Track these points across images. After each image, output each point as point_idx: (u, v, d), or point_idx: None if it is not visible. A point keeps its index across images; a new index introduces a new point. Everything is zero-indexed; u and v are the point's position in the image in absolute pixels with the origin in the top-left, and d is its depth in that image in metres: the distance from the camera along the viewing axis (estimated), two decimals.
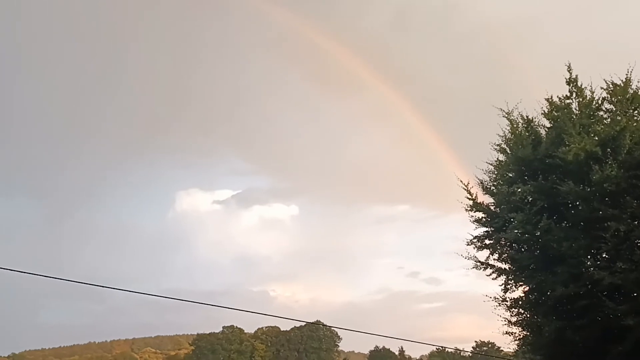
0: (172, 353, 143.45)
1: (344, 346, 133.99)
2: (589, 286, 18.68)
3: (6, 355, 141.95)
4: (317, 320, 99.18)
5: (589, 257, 19.41)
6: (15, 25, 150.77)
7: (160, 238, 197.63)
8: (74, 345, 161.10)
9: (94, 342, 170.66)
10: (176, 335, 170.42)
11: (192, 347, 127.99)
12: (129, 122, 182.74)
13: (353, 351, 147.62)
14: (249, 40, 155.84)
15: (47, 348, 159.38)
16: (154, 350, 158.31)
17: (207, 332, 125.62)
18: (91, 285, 9.15)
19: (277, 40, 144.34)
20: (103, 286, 9.41)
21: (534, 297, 21.14)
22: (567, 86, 19.94)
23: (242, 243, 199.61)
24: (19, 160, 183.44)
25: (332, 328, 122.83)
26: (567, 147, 18.44)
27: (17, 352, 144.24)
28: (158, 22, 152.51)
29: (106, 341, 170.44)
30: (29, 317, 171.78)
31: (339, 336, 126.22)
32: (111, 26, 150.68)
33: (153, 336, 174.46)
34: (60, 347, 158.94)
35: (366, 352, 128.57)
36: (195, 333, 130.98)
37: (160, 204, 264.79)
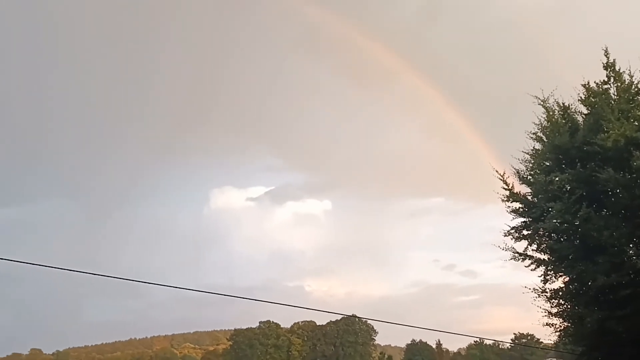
0: (211, 348, 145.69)
1: (380, 340, 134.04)
2: (632, 275, 18.31)
3: (51, 353, 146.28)
4: (352, 314, 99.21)
5: (630, 245, 19.01)
6: (52, 29, 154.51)
7: (197, 235, 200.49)
8: (115, 341, 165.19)
9: (135, 338, 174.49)
10: (214, 330, 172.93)
11: (230, 342, 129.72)
12: (164, 123, 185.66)
13: (390, 345, 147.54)
14: (280, 37, 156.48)
15: (90, 345, 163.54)
16: (192, 345, 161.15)
17: (244, 328, 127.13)
18: (133, 281, 9.37)
19: (308, 36, 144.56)
20: (144, 282, 9.63)
21: (574, 287, 20.78)
22: (605, 71, 19.46)
23: (277, 239, 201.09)
24: (60, 163, 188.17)
25: (368, 322, 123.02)
26: (606, 134, 18.03)
27: (61, 350, 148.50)
28: (188, 22, 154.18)
29: (146, 337, 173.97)
30: (73, 316, 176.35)
31: (375, 330, 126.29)
32: (144, 28, 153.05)
33: (192, 332, 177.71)
34: (102, 343, 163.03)
35: (403, 345, 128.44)
36: (233, 328, 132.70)
37: (195, 202, 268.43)
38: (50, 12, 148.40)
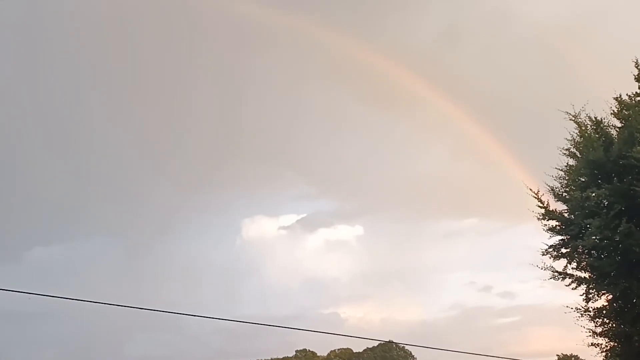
0: None
1: None
2: None
3: None
4: (389, 340, 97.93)
5: None
6: (88, 75, 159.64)
7: (231, 267, 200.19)
8: None
9: None
10: None
11: None
12: (195, 159, 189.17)
13: None
14: (303, 66, 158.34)
15: None
16: None
17: (281, 357, 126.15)
18: (174, 313, 9.47)
19: (329, 64, 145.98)
20: (188, 314, 9.73)
21: (618, 305, 20.17)
22: (637, 83, 19.19)
23: (310, 266, 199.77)
24: (98, 201, 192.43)
25: (406, 348, 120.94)
26: None
27: None
28: (211, 59, 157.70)
29: None
30: (114, 351, 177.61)
31: (413, 355, 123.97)
32: (164, 68, 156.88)
33: None
34: None
35: None
36: (270, 358, 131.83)
37: (228, 233, 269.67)
38: (79, 62, 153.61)
